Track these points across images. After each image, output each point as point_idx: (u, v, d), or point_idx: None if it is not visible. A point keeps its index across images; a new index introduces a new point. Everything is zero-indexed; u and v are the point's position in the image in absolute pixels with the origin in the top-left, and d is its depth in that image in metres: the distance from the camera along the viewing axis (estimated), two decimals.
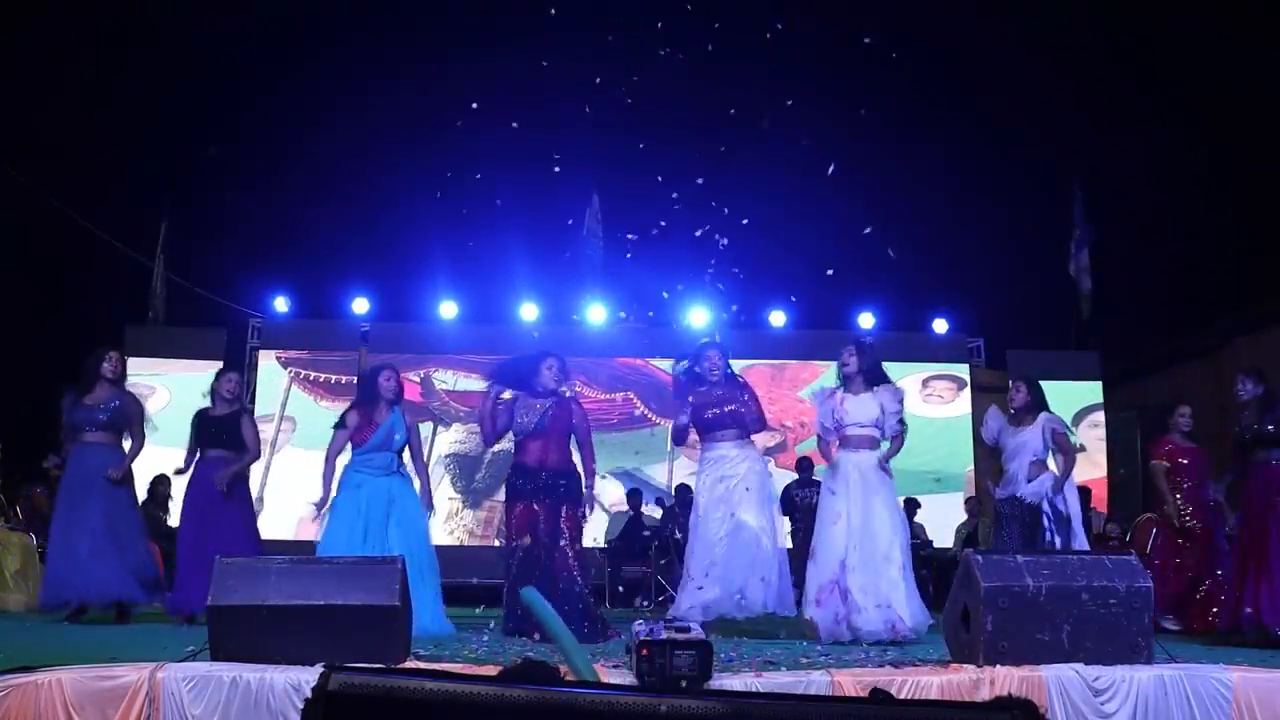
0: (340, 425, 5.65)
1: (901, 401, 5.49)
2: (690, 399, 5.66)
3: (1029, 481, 5.81)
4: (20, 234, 10.42)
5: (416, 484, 5.72)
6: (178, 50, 10.83)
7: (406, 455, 5.70)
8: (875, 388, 5.46)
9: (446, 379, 12.11)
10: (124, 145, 11.03)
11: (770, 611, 5.31)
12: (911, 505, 10.10)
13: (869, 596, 5.00)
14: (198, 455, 6.05)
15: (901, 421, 5.42)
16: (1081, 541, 5.84)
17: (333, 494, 5.54)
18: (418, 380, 12.00)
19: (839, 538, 5.16)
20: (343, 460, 5.65)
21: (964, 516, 10.94)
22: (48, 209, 10.36)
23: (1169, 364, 11.92)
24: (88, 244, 10.88)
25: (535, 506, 5.17)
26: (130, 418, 6.04)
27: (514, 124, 10.65)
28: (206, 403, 6.18)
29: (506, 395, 5.43)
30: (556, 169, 11.47)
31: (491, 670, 3.11)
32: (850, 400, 5.40)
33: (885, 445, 5.41)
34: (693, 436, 5.79)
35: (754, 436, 5.75)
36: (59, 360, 5.49)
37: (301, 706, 3.40)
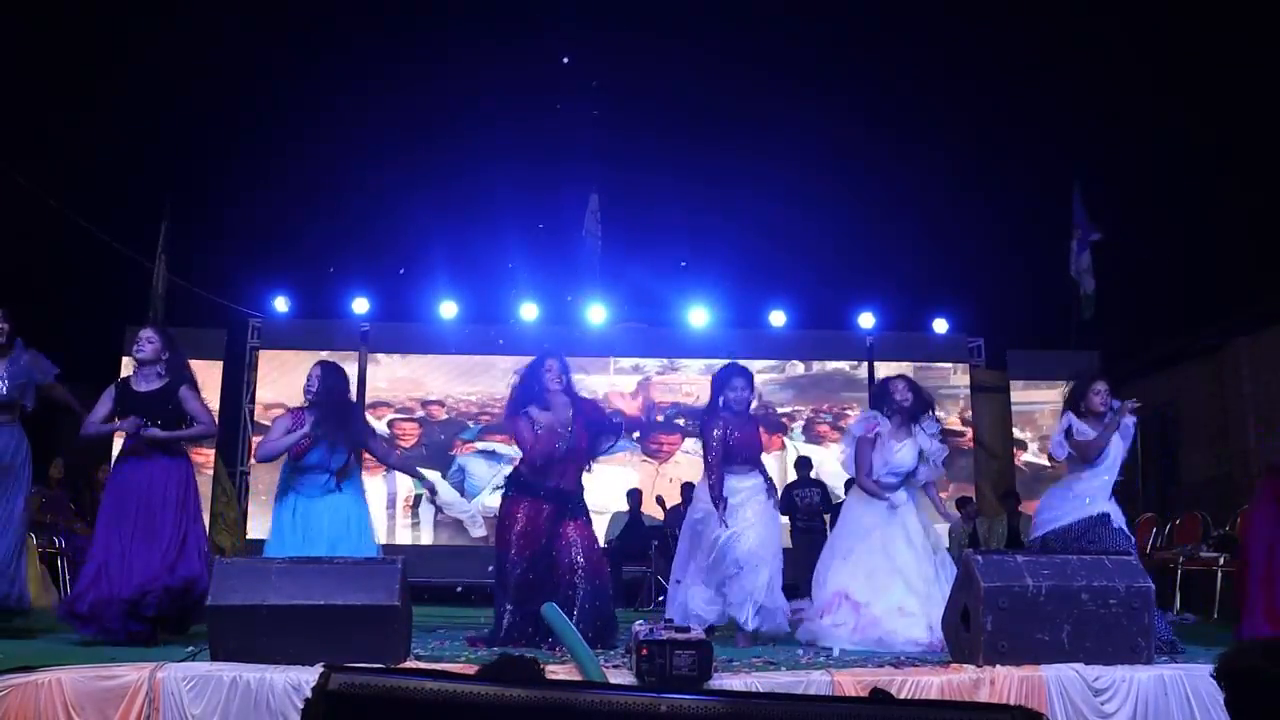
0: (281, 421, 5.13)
1: (939, 434, 5.51)
2: (715, 428, 5.26)
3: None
4: (21, 234, 10.41)
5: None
6: (178, 51, 10.82)
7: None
8: (915, 426, 5.46)
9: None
10: (124, 146, 11.03)
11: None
12: None
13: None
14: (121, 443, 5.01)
15: (942, 442, 5.50)
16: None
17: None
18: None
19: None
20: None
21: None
22: (48, 210, 10.36)
23: (1169, 364, 11.91)
24: (88, 244, 10.88)
25: (544, 509, 4.98)
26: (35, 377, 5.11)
27: (514, 123, 10.65)
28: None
29: (539, 416, 5.09)
30: (558, 168, 11.49)
31: None
32: (894, 445, 5.41)
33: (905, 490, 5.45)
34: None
35: None
36: (59, 361, 5.43)
37: (301, 706, 3.40)
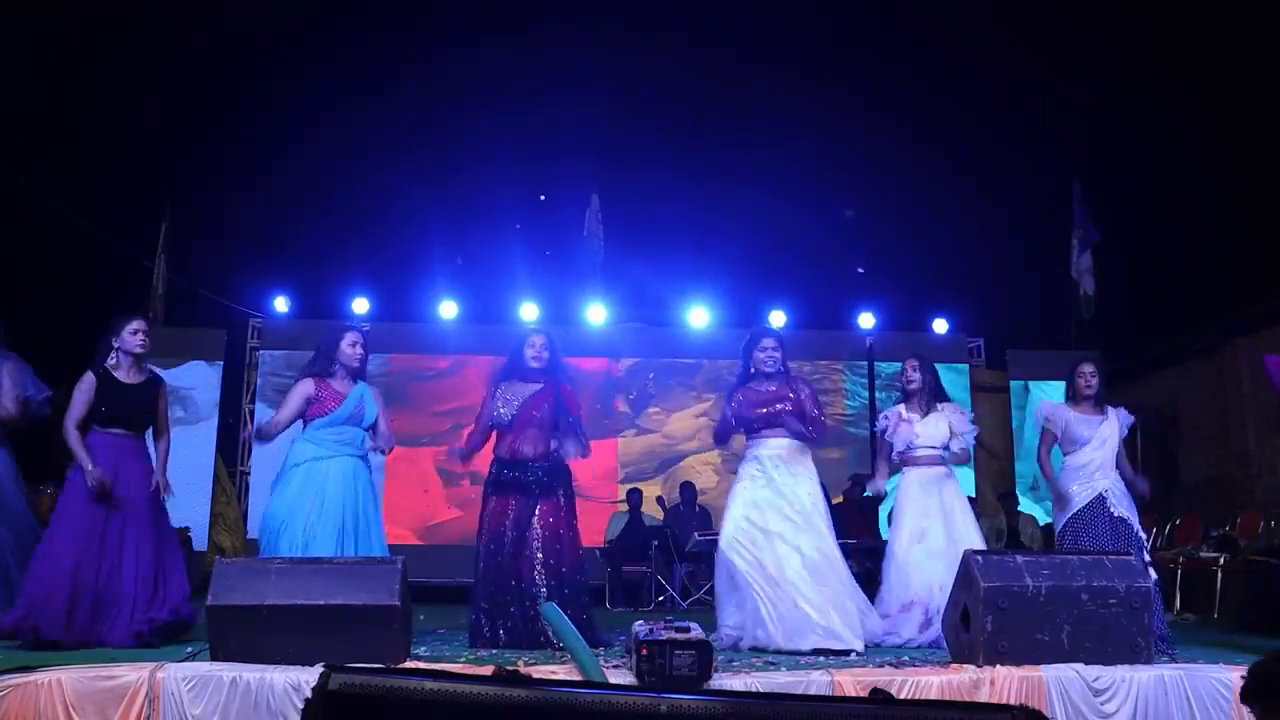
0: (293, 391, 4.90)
1: (971, 422, 5.45)
2: (738, 395, 5.06)
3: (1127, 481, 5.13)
4: (20, 234, 10.41)
5: None
6: (178, 50, 10.83)
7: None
8: (939, 405, 5.40)
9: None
10: (124, 145, 11.03)
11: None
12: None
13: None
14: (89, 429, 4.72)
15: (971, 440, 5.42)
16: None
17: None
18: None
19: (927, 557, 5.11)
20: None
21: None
22: (48, 209, 10.36)
23: (1169, 364, 11.92)
24: (88, 244, 10.89)
25: (511, 501, 4.83)
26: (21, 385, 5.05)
27: (514, 124, 10.67)
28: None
29: (504, 389, 5.01)
30: (556, 167, 11.49)
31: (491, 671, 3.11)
32: (918, 422, 5.34)
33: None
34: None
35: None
36: (59, 361, 5.42)
37: (301, 706, 3.40)
